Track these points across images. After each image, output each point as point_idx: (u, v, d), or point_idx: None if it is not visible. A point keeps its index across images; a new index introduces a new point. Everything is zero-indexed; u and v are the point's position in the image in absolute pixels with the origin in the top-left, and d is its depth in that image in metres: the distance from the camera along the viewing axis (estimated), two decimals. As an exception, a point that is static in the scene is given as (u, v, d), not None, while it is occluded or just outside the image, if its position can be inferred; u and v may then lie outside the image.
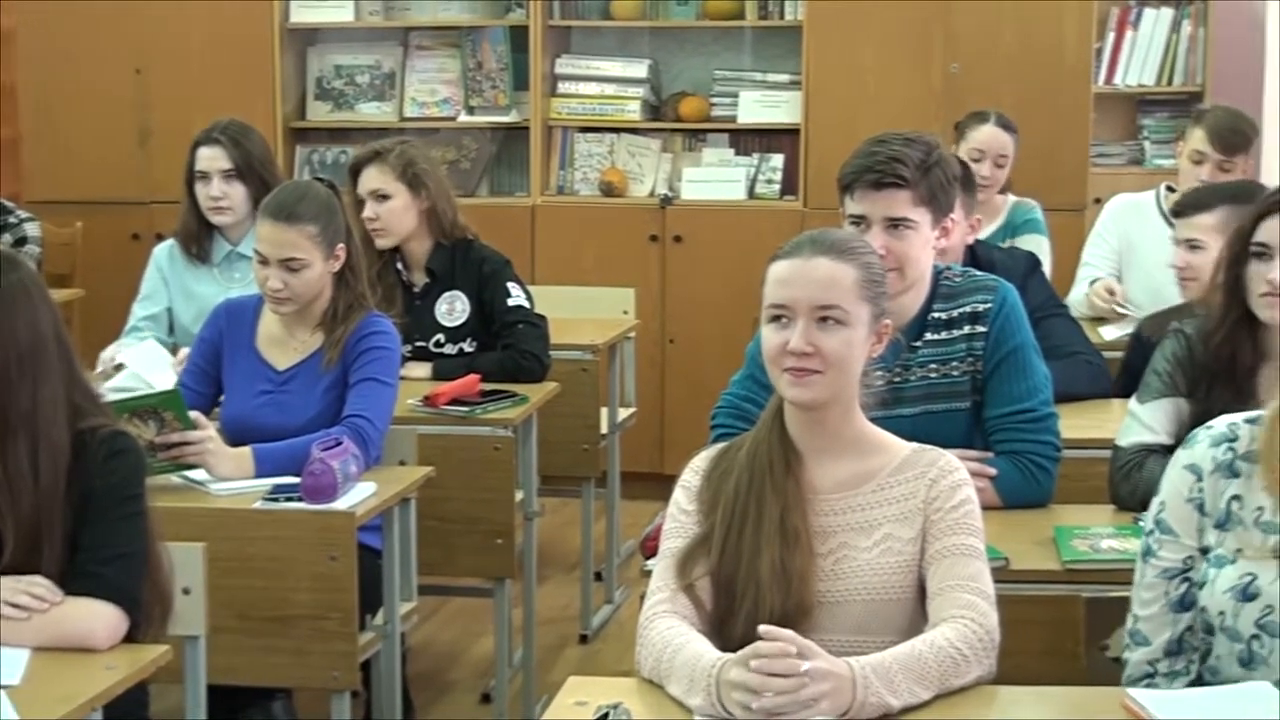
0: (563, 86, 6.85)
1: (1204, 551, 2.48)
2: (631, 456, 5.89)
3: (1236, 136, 4.93)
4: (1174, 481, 2.51)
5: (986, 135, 5.31)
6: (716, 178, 6.71)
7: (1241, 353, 3.19)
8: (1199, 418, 3.04)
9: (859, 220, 3.31)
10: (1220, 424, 2.52)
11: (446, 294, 4.71)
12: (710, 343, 6.36)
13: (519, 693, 4.67)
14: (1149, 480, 3.14)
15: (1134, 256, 5.10)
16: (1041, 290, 4.35)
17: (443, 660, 5.07)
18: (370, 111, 6.97)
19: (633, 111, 6.81)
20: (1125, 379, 4.08)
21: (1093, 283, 5.08)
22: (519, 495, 4.54)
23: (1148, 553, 2.53)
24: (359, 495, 3.54)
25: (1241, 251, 3.19)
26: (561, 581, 5.73)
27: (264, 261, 3.82)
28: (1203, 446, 2.51)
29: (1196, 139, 4.96)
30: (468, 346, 4.69)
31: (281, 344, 3.93)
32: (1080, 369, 4.13)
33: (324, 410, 3.82)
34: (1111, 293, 5.00)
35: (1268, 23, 6.66)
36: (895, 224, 3.28)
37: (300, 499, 3.48)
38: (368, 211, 4.63)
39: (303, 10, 6.87)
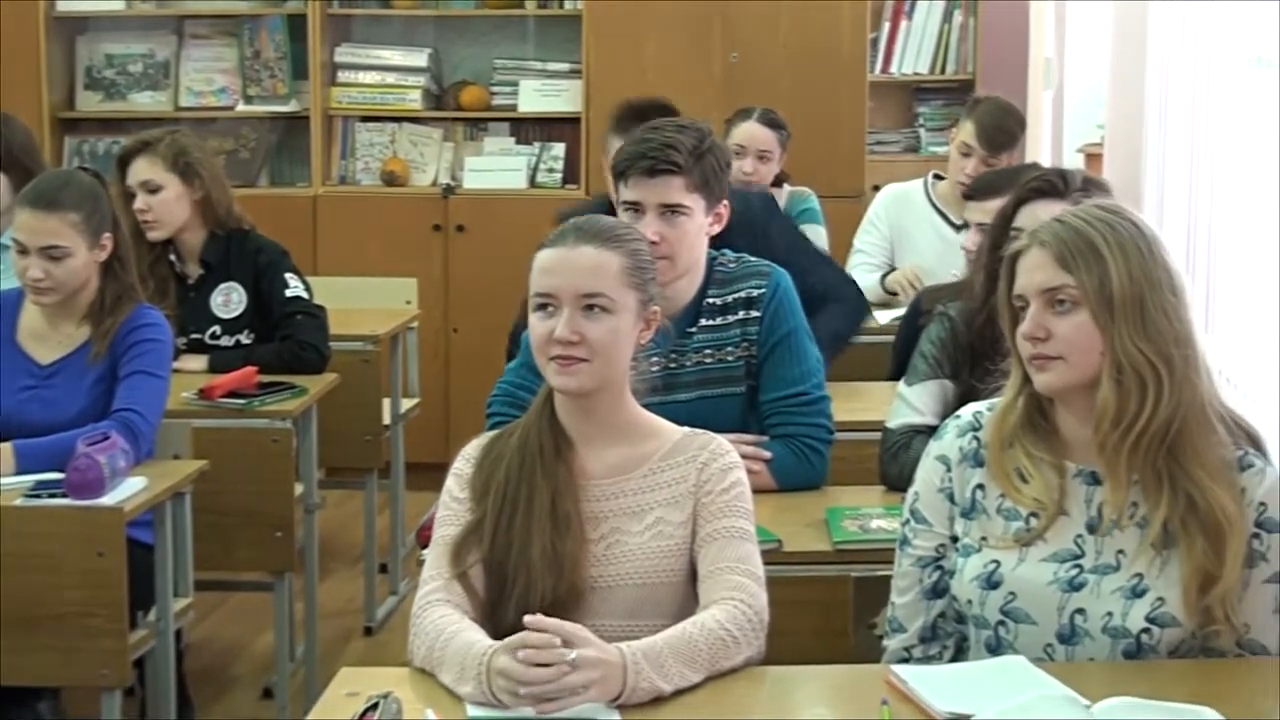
0: (343, 76, 6.78)
1: (955, 540, 2.53)
2: (417, 447, 5.84)
3: (1002, 135, 5.03)
4: (926, 471, 2.57)
5: (746, 131, 5.34)
6: (498, 167, 6.70)
7: (1003, 333, 3.26)
8: (964, 398, 3.12)
9: (634, 206, 3.33)
10: (966, 413, 2.58)
11: (222, 285, 4.63)
12: (494, 331, 6.12)
13: (301, 687, 4.61)
14: (915, 460, 3.19)
15: (905, 244, 5.21)
16: (786, 233, 4.43)
17: (223, 656, 4.99)
18: (144, 101, 6.82)
19: (414, 101, 6.77)
20: (899, 354, 4.14)
21: (887, 274, 5.16)
22: (299, 488, 4.49)
23: (904, 541, 2.59)
24: (128, 490, 3.47)
25: (1002, 235, 3.26)
26: (346, 574, 5.67)
27: (23, 251, 3.73)
28: (950, 437, 2.56)
29: (966, 131, 5.06)
30: (245, 338, 4.63)
31: (44, 338, 3.83)
32: (835, 316, 4.21)
33: (92, 404, 3.74)
34: (909, 278, 5.09)
35: (1031, 12, 6.83)
36: (669, 210, 3.31)
37: (65, 495, 3.39)
38: (138, 203, 4.52)
39: (72, -3, 6.71)
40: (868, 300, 4.40)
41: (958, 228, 5.02)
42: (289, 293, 4.64)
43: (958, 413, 2.61)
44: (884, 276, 5.17)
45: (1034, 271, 2.43)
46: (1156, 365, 2.35)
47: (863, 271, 5.22)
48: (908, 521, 2.58)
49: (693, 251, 3.36)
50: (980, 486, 2.51)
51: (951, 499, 2.53)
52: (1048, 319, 2.41)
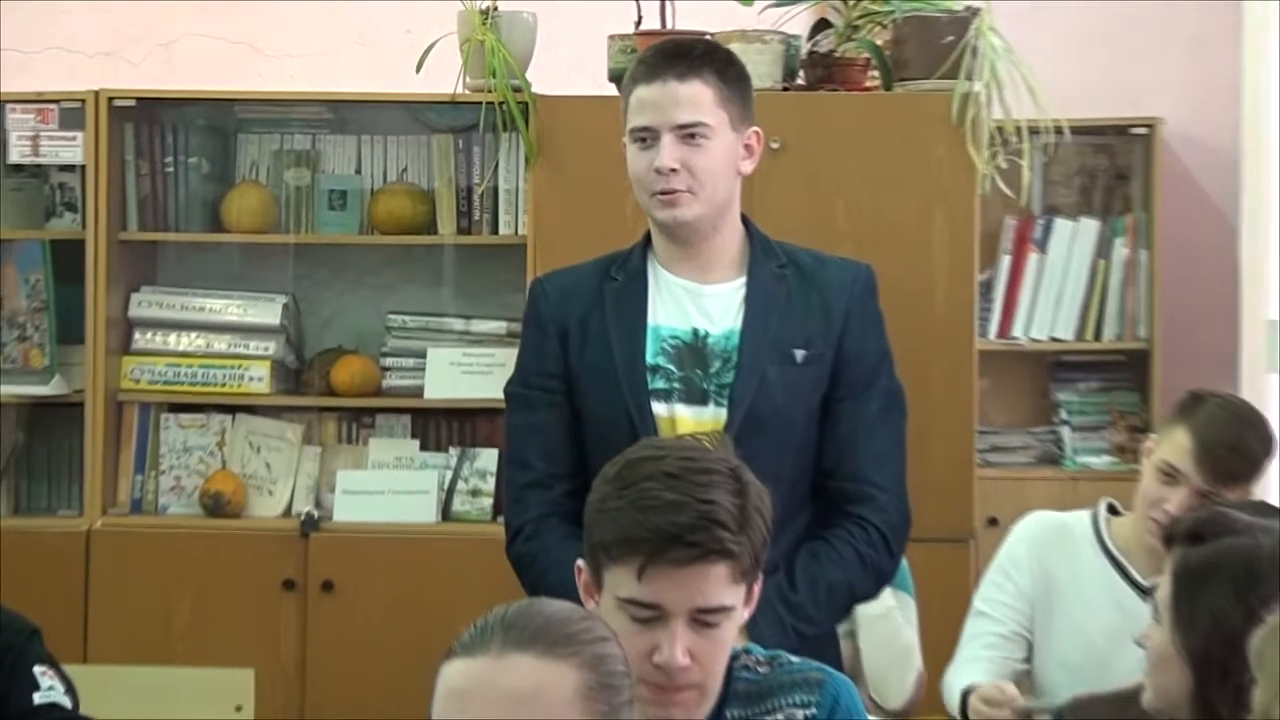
0: (142, 338, 6.74)
1: None
2: None
3: (1238, 460, 4.75)
4: None
5: None
6: (390, 486, 6.63)
7: None
8: None
9: (651, 611, 3.21)
10: None
11: (-67, 684, 4.48)
12: (377, 753, 6.26)
13: None
14: None
15: (1057, 609, 4.99)
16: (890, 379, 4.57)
17: None
18: None
19: (258, 380, 6.73)
20: None
21: (966, 693, 4.83)
22: None
23: None
24: None
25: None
26: None
27: None
28: None
29: (1176, 447, 4.78)
30: (-35, 766, 4.42)
31: None
32: (860, 563, 4.40)
33: None
34: (994, 701, 4.73)
35: (1243, 250, 6.70)
36: (708, 614, 3.22)
37: None
38: None
39: None
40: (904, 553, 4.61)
41: (1145, 591, 4.77)
42: (39, 696, 4.42)
43: None
44: (966, 694, 4.85)
45: None
46: None
47: (965, 661, 4.95)
48: None
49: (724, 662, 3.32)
50: None
51: None
52: None
